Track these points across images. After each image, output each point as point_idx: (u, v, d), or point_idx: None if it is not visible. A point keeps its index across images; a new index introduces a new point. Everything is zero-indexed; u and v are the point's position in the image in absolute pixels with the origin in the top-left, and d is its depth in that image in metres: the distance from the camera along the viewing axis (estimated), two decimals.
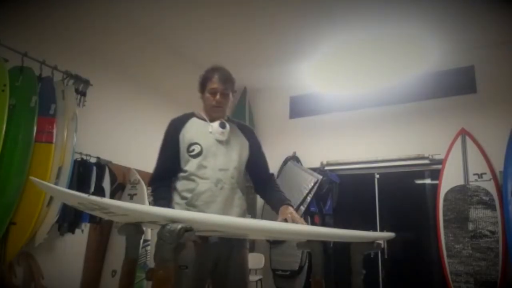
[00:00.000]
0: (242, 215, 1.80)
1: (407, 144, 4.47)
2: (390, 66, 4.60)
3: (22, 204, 2.59)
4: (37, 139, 2.67)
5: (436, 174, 4.23)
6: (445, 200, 4.00)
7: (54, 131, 2.77)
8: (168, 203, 1.67)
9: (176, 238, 1.03)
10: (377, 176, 4.68)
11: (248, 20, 3.90)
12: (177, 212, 1.13)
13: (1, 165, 2.50)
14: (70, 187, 2.87)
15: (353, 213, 4.83)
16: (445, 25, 3.84)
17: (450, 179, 4.03)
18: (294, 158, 5.10)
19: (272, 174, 2.01)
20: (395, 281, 4.44)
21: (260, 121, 5.60)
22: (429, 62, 4.44)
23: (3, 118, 2.48)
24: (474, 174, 3.93)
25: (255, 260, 4.59)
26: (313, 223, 4.52)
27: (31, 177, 1.12)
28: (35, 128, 2.65)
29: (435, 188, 4.18)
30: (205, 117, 1.85)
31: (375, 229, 4.45)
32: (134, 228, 1.35)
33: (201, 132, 1.80)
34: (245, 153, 1.88)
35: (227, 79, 1.83)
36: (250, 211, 4.51)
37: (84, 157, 3.21)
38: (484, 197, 3.82)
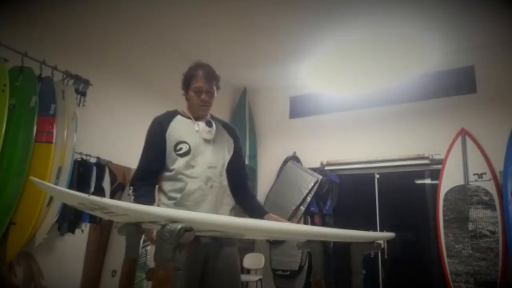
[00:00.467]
0: (231, 212, 1.79)
1: (407, 144, 4.47)
2: (390, 66, 4.60)
3: (22, 204, 2.58)
4: (37, 139, 2.66)
5: (436, 174, 4.24)
6: (445, 200, 4.00)
7: (54, 131, 2.76)
8: (150, 202, 1.61)
9: (176, 238, 1.03)
10: (377, 176, 4.68)
11: (248, 20, 3.90)
12: (177, 212, 1.13)
13: (1, 165, 2.50)
14: (70, 187, 2.87)
15: (353, 213, 4.83)
16: (445, 25, 3.84)
17: (450, 179, 4.03)
18: (294, 158, 5.10)
19: (248, 182, 1.96)
20: (395, 281, 4.44)
21: (260, 121, 5.60)
22: (429, 62, 4.44)
23: (3, 118, 2.48)
24: (474, 174, 3.93)
25: (255, 260, 4.59)
26: (313, 223, 4.52)
27: (31, 177, 1.12)
28: (35, 128, 2.65)
29: (435, 188, 4.18)
30: (189, 115, 1.81)
31: (375, 229, 4.45)
32: (134, 228, 1.35)
33: (188, 130, 1.76)
34: (231, 150, 1.86)
35: (212, 77, 1.78)
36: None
37: (84, 157, 3.20)
38: (484, 197, 3.82)
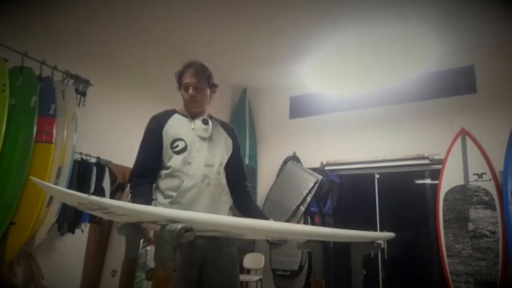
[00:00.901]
0: (230, 211, 1.79)
1: (407, 144, 4.47)
2: (390, 66, 4.60)
3: (22, 204, 2.58)
4: (37, 139, 2.66)
5: (436, 174, 4.23)
6: (445, 200, 4.00)
7: (54, 131, 2.76)
8: (147, 200, 1.61)
9: (176, 238, 1.03)
10: (377, 176, 4.68)
11: (248, 20, 3.89)
12: (177, 212, 1.13)
13: (1, 165, 2.50)
14: (70, 187, 2.87)
15: (353, 213, 4.83)
16: (445, 25, 3.84)
17: (450, 179, 4.03)
18: (294, 158, 5.10)
19: (248, 184, 1.96)
20: (395, 281, 4.44)
21: (260, 121, 5.60)
22: (429, 62, 4.44)
23: (3, 118, 2.48)
24: (474, 174, 3.93)
25: (255, 260, 4.59)
26: (313, 223, 4.52)
27: (31, 177, 1.12)
28: (35, 128, 2.65)
29: (435, 188, 4.18)
30: (186, 113, 1.82)
31: (375, 229, 4.45)
32: (134, 228, 1.35)
33: (184, 128, 1.77)
34: (229, 150, 1.86)
35: (199, 73, 1.79)
36: None
37: (84, 157, 3.20)
38: (484, 197, 3.82)
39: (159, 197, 1.70)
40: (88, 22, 3.47)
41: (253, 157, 5.32)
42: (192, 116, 1.81)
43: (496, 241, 3.67)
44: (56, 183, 2.70)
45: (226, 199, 1.78)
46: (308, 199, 4.57)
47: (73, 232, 3.06)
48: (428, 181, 4.60)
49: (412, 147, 4.42)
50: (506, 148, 3.75)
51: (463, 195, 3.92)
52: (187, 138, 1.74)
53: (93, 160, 3.26)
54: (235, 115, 5.41)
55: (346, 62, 4.65)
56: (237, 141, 1.94)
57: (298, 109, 5.40)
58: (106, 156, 3.40)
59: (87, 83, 3.25)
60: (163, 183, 1.70)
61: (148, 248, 3.36)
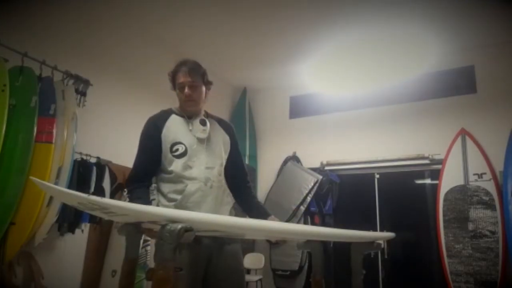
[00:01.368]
0: (232, 212, 1.78)
1: (407, 144, 4.47)
2: (390, 66, 4.60)
3: (22, 204, 2.58)
4: (37, 139, 2.66)
5: (436, 174, 4.24)
6: (445, 200, 4.00)
7: (54, 131, 2.76)
8: (146, 203, 1.59)
9: (176, 238, 1.03)
10: (377, 176, 4.68)
11: (249, 20, 3.90)
12: (177, 212, 1.13)
13: (1, 165, 2.50)
14: (70, 187, 2.86)
15: (353, 213, 4.83)
16: (445, 25, 3.84)
17: (450, 179, 4.03)
18: (294, 158, 5.10)
19: (249, 179, 1.94)
20: (395, 281, 4.44)
21: (260, 121, 5.60)
22: (429, 62, 4.44)
23: (3, 118, 2.48)
24: (474, 174, 3.93)
25: (255, 260, 4.59)
26: (313, 223, 4.52)
27: (31, 177, 1.12)
28: (35, 128, 2.65)
29: (435, 188, 4.18)
30: (183, 113, 1.79)
31: (375, 229, 4.45)
32: (134, 228, 1.35)
33: (182, 130, 1.74)
34: (228, 147, 1.84)
35: (193, 71, 1.76)
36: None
37: (84, 157, 3.20)
38: (484, 197, 3.82)
39: (162, 200, 1.68)
40: (88, 22, 3.47)
41: (253, 157, 5.32)
42: (189, 116, 1.78)
43: (496, 241, 3.67)
44: (56, 183, 2.70)
45: (228, 200, 1.78)
46: (308, 199, 4.57)
47: (73, 232, 3.06)
48: (428, 181, 4.60)
49: (412, 147, 4.42)
50: (506, 148, 3.75)
51: (463, 195, 3.92)
52: (186, 141, 1.71)
53: (93, 160, 3.26)
54: (235, 115, 5.41)
55: (346, 62, 4.65)
56: (235, 136, 1.91)
57: (298, 109, 5.40)
58: (106, 156, 3.40)
59: (87, 83, 3.25)
60: (166, 187, 1.68)
61: (148, 248, 3.36)
